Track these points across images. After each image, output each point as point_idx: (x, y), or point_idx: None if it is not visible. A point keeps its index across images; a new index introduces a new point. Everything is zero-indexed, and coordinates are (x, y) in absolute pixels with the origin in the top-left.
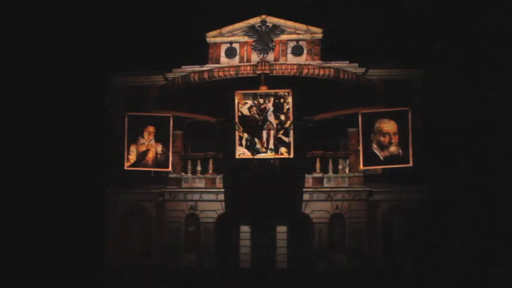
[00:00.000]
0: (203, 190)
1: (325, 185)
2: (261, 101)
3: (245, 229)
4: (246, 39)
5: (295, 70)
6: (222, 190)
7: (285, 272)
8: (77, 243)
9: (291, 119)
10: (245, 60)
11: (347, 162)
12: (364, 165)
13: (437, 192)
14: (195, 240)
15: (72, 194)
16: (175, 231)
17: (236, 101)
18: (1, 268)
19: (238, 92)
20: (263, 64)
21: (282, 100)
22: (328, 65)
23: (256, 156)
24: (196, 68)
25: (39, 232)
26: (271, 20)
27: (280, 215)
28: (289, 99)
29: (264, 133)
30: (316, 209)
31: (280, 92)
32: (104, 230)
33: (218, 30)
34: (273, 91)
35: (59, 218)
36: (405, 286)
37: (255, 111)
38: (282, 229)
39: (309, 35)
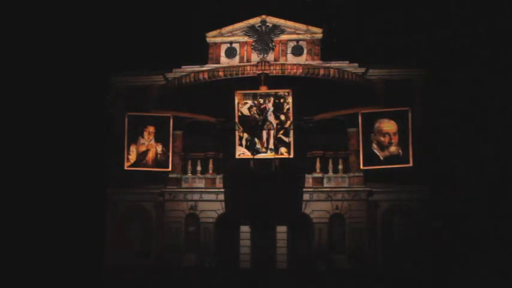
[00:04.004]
0: (203, 190)
1: (325, 185)
2: (261, 101)
3: (245, 229)
4: (246, 39)
5: (295, 70)
6: (222, 190)
7: (285, 272)
8: (77, 243)
9: (291, 119)
10: (245, 60)
11: (347, 162)
12: (364, 165)
13: (437, 192)
14: (195, 240)
15: (72, 194)
16: (175, 231)
17: (236, 101)
18: (1, 268)
19: (238, 92)
20: (263, 64)
21: (282, 100)
22: (328, 65)
23: (256, 156)
24: (196, 68)
25: (39, 232)
26: (271, 20)
27: (280, 215)
28: (289, 99)
29: (264, 133)
30: (316, 209)
31: (280, 92)
32: (104, 230)
33: (218, 30)
34: (273, 91)
35: (59, 218)
36: (405, 286)
37: (255, 111)
38: (282, 229)
39: (309, 35)
